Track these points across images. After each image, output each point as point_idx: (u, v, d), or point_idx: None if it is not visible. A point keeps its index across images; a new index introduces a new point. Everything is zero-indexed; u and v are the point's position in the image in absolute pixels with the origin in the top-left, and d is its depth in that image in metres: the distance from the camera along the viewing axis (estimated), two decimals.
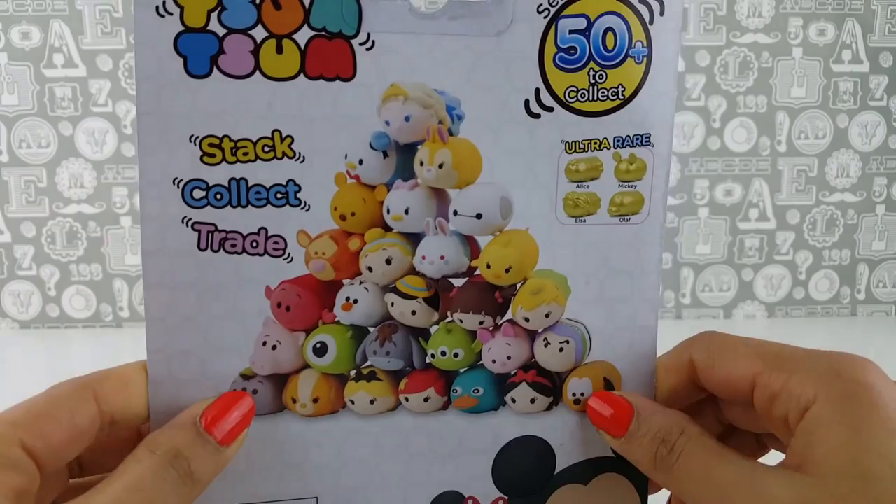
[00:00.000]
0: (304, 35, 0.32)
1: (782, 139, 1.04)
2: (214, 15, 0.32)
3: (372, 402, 0.36)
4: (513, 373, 0.37)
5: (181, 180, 0.33)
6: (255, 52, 0.32)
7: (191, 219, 0.33)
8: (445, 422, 0.37)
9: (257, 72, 0.32)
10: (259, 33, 0.32)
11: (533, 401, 0.37)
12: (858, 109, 1.04)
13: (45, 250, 1.02)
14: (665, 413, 0.35)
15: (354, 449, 0.36)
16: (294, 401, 0.35)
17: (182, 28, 0.32)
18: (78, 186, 1.03)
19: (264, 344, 0.34)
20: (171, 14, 0.31)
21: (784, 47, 1.01)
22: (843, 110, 1.04)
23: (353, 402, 0.36)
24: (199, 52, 0.32)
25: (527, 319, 0.36)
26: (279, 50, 0.32)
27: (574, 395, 0.37)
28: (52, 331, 1.04)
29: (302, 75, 0.32)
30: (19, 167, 0.99)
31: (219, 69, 0.32)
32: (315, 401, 0.35)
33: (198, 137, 0.32)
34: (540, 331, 0.37)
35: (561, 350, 0.37)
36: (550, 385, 0.37)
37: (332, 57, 0.33)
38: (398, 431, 0.36)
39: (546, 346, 0.37)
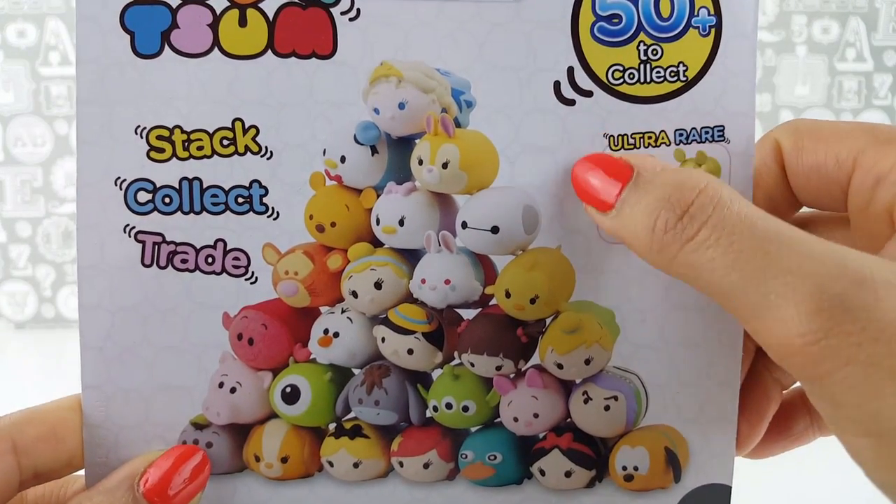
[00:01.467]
0: (272, 3, 0.30)
1: None
2: None
3: (356, 465, 0.32)
4: (541, 436, 0.32)
5: (124, 180, 0.30)
6: (214, 26, 0.30)
7: (134, 227, 0.31)
8: (451, 496, 0.33)
9: (216, 49, 0.30)
10: (219, 3, 0.30)
11: (569, 474, 0.32)
12: (863, 108, 1.05)
13: (41, 250, 1.05)
14: (679, 170, 0.29)
15: None
16: (257, 459, 0.32)
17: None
18: (74, 185, 1.06)
19: (221, 385, 0.31)
20: None
21: (788, 45, 1.03)
22: (848, 109, 1.07)
23: (331, 463, 0.32)
24: (149, 28, 0.30)
25: (560, 366, 0.31)
26: (242, 22, 0.30)
27: (625, 469, 0.32)
28: (47, 331, 1.06)
29: (270, 52, 0.30)
30: (14, 166, 1.03)
31: (171, 47, 0.30)
32: (284, 460, 0.32)
33: (144, 129, 0.30)
34: (578, 382, 0.32)
35: (607, 409, 0.32)
36: (592, 454, 0.32)
37: (306, 29, 0.30)
38: None
39: (587, 402, 0.32)
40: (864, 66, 1.09)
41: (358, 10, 0.30)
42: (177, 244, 0.31)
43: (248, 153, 0.30)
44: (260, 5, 0.29)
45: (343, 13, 0.30)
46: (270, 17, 0.30)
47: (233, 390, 0.31)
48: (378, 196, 0.31)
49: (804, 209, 0.34)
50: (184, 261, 0.31)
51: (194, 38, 0.30)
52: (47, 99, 1.01)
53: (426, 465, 0.32)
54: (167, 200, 0.30)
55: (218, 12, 0.29)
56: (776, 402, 0.35)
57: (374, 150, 0.30)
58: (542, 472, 0.32)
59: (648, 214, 0.27)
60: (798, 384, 0.35)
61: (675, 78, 0.31)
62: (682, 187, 0.27)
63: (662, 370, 0.32)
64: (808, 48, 1.08)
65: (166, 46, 0.30)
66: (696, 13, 0.30)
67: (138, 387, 0.31)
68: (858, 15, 1.05)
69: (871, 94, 1.07)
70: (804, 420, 0.35)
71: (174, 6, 0.30)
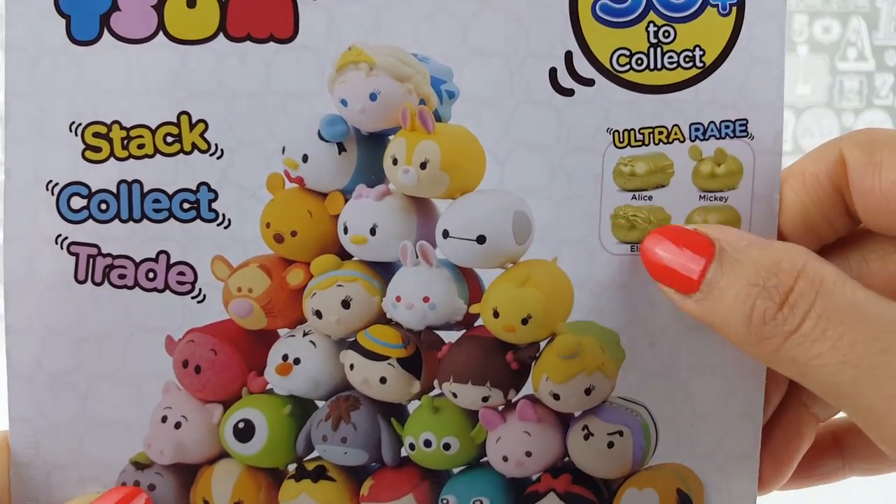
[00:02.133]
0: None
1: (787, 137, 1.08)
2: None
3: None
4: (535, 478, 0.30)
5: (56, 184, 0.28)
6: (159, 7, 0.28)
7: (66, 238, 0.29)
8: None
9: (160, 33, 0.28)
10: None
11: None
12: (864, 108, 1.07)
13: None
14: (768, 246, 0.26)
15: None
16: None
17: None
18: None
19: (164, 420, 0.29)
20: None
21: (789, 44, 1.06)
22: (849, 109, 1.08)
23: None
24: (87, 10, 0.28)
25: (556, 396, 0.29)
26: (191, 2, 0.28)
27: None
28: None
29: (221, 36, 0.28)
30: None
31: (110, 32, 0.28)
32: None
33: (80, 125, 0.28)
34: (577, 415, 0.30)
35: (610, 445, 0.29)
36: (594, 498, 0.29)
37: (263, 9, 0.28)
38: None
39: (587, 438, 0.29)
40: (865, 66, 1.11)
41: None
42: (114, 257, 0.29)
43: (196, 151, 0.28)
44: None
45: None
46: None
47: (178, 425, 0.29)
48: (346, 201, 0.29)
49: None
50: (122, 276, 0.29)
51: (137, 21, 0.28)
52: None
53: None
54: (103, 207, 0.28)
55: None
56: (809, 438, 0.32)
57: (341, 148, 0.28)
58: None
59: (743, 302, 0.25)
60: (835, 416, 0.33)
61: (691, 64, 0.29)
62: (777, 270, 0.24)
63: (674, 401, 0.30)
64: (809, 47, 1.09)
65: (105, 31, 0.28)
66: None
67: (71, 421, 0.29)
68: (860, 14, 1.07)
69: (873, 94, 1.09)
70: (835, 460, 0.33)
71: None
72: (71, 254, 0.29)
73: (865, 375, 0.23)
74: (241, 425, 0.29)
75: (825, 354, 0.23)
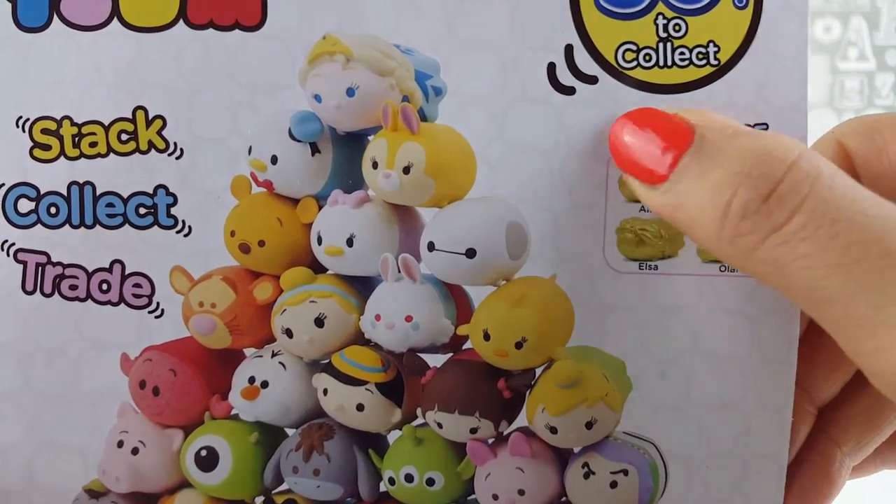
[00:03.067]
0: None
1: None
2: None
3: None
4: None
5: (2, 185, 0.27)
6: None
7: (13, 244, 0.27)
8: None
9: (115, 19, 0.26)
10: None
11: None
12: (865, 108, 1.06)
13: None
14: (758, 135, 0.23)
15: None
16: None
17: None
18: None
19: (120, 445, 0.27)
20: None
21: None
22: (850, 108, 1.07)
23: None
24: None
25: (553, 430, 0.26)
26: None
27: None
28: None
29: (181, 22, 0.26)
30: None
31: (60, 17, 0.27)
32: None
33: (27, 120, 0.27)
34: (577, 451, 0.27)
35: (614, 485, 0.26)
36: None
37: None
38: None
39: (588, 476, 0.26)
40: (866, 66, 1.09)
41: None
42: (64, 266, 0.27)
43: (153, 151, 0.26)
44: None
45: None
46: None
47: (135, 451, 0.27)
48: (320, 208, 0.26)
49: None
50: (73, 287, 0.27)
51: (89, 5, 0.26)
52: None
53: None
54: (53, 210, 0.27)
55: None
56: (840, 483, 0.29)
57: (314, 149, 0.26)
58: None
59: (719, 192, 0.22)
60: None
61: (705, 61, 0.26)
62: (767, 158, 0.22)
63: (687, 438, 0.28)
64: (809, 47, 1.16)
65: (55, 17, 0.27)
66: None
67: (19, 444, 0.28)
68: (860, 14, 1.07)
69: (874, 94, 1.08)
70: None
71: None
72: (18, 261, 0.27)
73: (859, 281, 0.20)
74: (203, 453, 0.27)
75: (814, 255, 0.21)
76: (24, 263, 0.27)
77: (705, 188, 0.22)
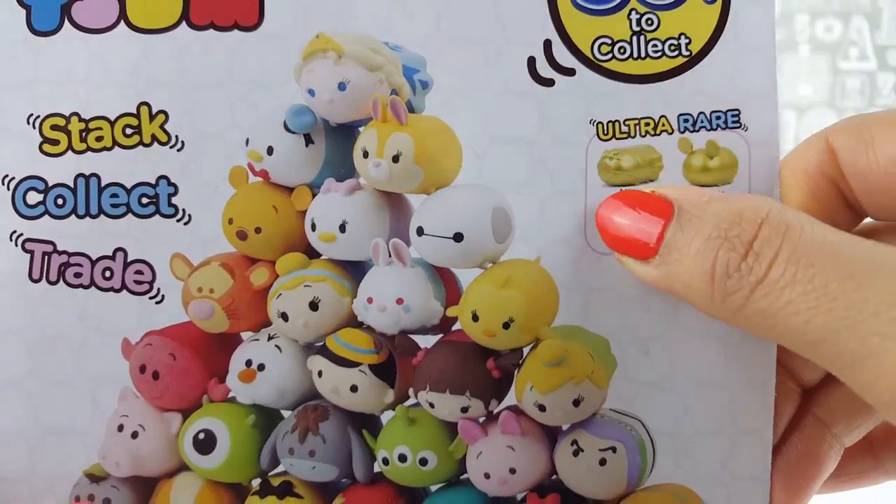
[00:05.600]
0: None
1: (790, 137, 1.08)
2: None
3: None
4: (520, 497, 0.27)
5: (12, 178, 0.27)
6: None
7: (21, 234, 0.27)
8: None
9: (122, 22, 0.27)
10: None
11: None
12: (866, 107, 1.07)
13: None
14: (729, 199, 0.24)
15: None
16: None
17: None
18: None
19: (121, 429, 0.27)
20: None
21: (791, 44, 1.04)
22: (851, 108, 1.07)
23: None
24: (48, 1, 0.27)
25: (542, 408, 0.26)
26: None
27: None
28: None
29: (184, 24, 0.27)
30: None
31: (71, 22, 0.27)
32: None
33: (38, 118, 0.27)
34: (565, 428, 0.27)
35: (602, 463, 0.26)
36: None
37: None
38: None
39: (577, 454, 0.26)
40: (867, 65, 1.11)
41: None
42: (70, 254, 0.27)
43: (155, 143, 0.27)
44: None
45: None
46: None
47: (134, 435, 0.27)
48: (314, 196, 0.27)
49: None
50: (77, 275, 0.27)
51: (98, 10, 0.27)
52: None
53: None
54: (60, 202, 0.27)
55: None
56: (829, 463, 0.29)
57: (308, 140, 0.26)
58: None
59: (703, 257, 0.23)
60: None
61: (677, 52, 0.27)
62: (739, 219, 0.23)
63: (673, 414, 0.27)
64: (810, 47, 1.08)
65: (66, 21, 0.27)
66: None
67: (24, 430, 0.27)
68: (861, 13, 1.07)
69: (875, 94, 1.09)
70: (866, 459, 0.30)
71: None
72: (26, 251, 0.27)
73: (840, 318, 0.21)
74: (201, 436, 0.27)
75: (796, 301, 0.21)
76: (31, 253, 0.27)
77: (691, 256, 0.23)
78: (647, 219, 0.24)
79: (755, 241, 0.22)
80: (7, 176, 0.27)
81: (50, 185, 0.27)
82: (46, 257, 0.27)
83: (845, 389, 0.25)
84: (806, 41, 1.05)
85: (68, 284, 0.27)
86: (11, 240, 0.27)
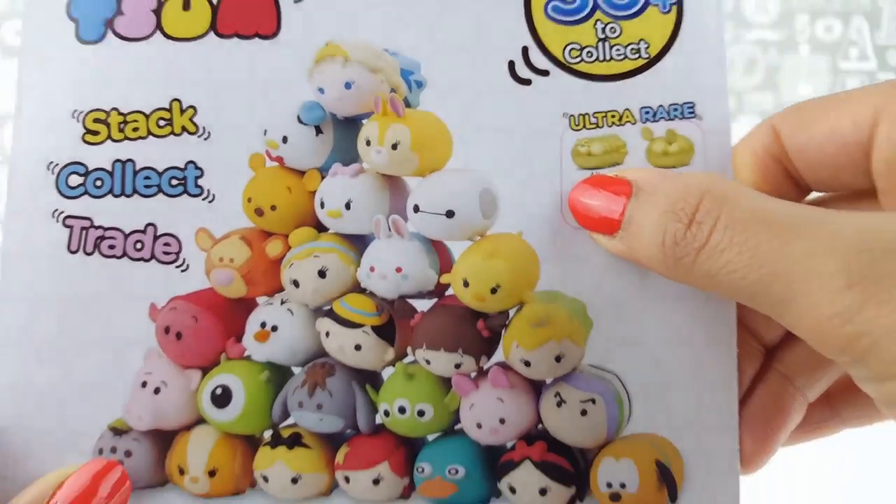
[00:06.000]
0: None
1: None
2: None
3: (294, 480, 0.28)
4: (510, 445, 0.29)
5: (56, 164, 0.29)
6: (158, 11, 0.30)
7: (62, 212, 0.29)
8: None
9: (157, 32, 0.30)
10: None
11: (544, 492, 0.28)
12: None
13: None
14: (678, 177, 0.26)
15: None
16: (182, 471, 0.28)
17: None
18: None
19: (144, 385, 0.29)
20: None
21: (791, 44, 1.04)
22: None
23: (266, 478, 0.28)
24: (94, 15, 0.30)
25: (527, 363, 0.28)
26: (186, 5, 0.30)
27: (610, 486, 0.28)
28: None
29: (212, 33, 0.30)
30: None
31: (114, 32, 0.30)
32: (211, 473, 0.28)
33: (81, 112, 0.30)
34: (549, 382, 0.29)
35: (584, 413, 0.28)
36: (570, 467, 0.28)
37: (250, 11, 0.29)
38: None
39: (560, 405, 0.28)
40: (867, 65, 1.10)
41: None
42: (105, 229, 0.29)
43: (185, 133, 0.29)
44: None
45: None
46: (214, 1, 0.29)
47: (157, 391, 0.28)
48: (322, 178, 0.29)
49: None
50: (111, 246, 0.29)
51: (138, 23, 0.30)
52: None
53: (376, 481, 0.28)
54: (98, 183, 0.29)
55: None
56: (793, 414, 0.31)
57: (318, 131, 0.29)
58: (513, 490, 0.28)
59: (657, 229, 0.26)
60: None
61: (637, 55, 0.30)
62: (685, 194, 0.26)
63: (645, 369, 0.29)
64: (811, 47, 1.07)
65: (109, 32, 0.30)
66: None
67: (55, 386, 0.29)
68: (861, 13, 1.06)
69: None
70: (824, 409, 0.32)
71: None
72: (66, 226, 0.29)
73: (770, 272, 0.23)
74: (218, 391, 0.29)
75: (733, 261, 0.24)
76: (71, 228, 0.29)
77: (648, 229, 0.26)
78: (610, 198, 0.27)
79: (697, 212, 0.25)
80: (52, 162, 0.29)
81: (90, 168, 0.29)
82: (84, 231, 0.29)
83: (804, 345, 0.27)
84: (806, 41, 1.04)
85: (103, 255, 0.29)
86: (53, 216, 0.29)
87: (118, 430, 0.28)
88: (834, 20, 1.05)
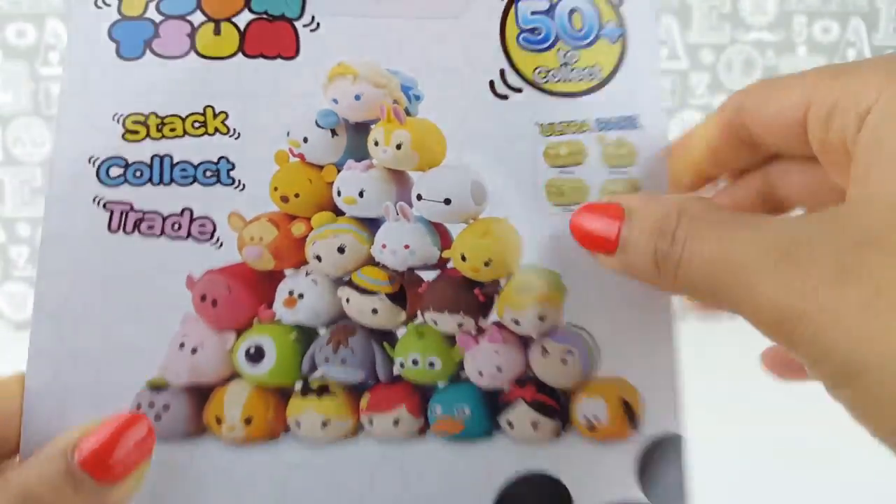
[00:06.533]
0: (243, 18, 0.34)
1: None
2: (153, 4, 0.34)
3: (324, 424, 0.31)
4: (506, 388, 0.33)
5: (97, 159, 0.32)
6: (192, 35, 0.34)
7: (103, 198, 0.32)
8: (423, 452, 0.32)
9: (192, 52, 0.34)
10: (197, 18, 0.34)
11: (535, 425, 0.32)
12: None
13: None
14: (662, 200, 0.30)
15: (300, 488, 0.31)
16: (219, 421, 0.31)
17: (118, 17, 0.34)
18: None
19: (182, 346, 0.31)
20: (108, 6, 0.34)
21: (788, 45, 1.06)
22: None
23: (298, 424, 0.31)
24: (133, 37, 0.34)
25: (517, 322, 0.33)
26: (217, 31, 0.34)
27: (586, 418, 0.32)
28: None
29: (240, 54, 0.34)
30: (14, 166, 1.02)
31: (152, 51, 0.34)
32: (248, 421, 0.31)
33: (121, 115, 0.33)
34: (535, 337, 0.33)
35: (564, 362, 0.32)
36: (555, 405, 0.32)
37: (272, 37, 0.34)
38: (360, 465, 0.31)
39: (544, 355, 0.33)
40: None
41: (318, 24, 0.35)
42: (144, 212, 0.32)
43: (218, 134, 0.33)
44: (233, 19, 0.34)
45: (305, 25, 0.34)
46: (242, 29, 0.34)
47: (194, 351, 0.31)
48: (339, 171, 0.33)
49: None
50: (150, 227, 0.32)
51: (174, 44, 0.34)
52: (47, 99, 1.01)
53: (396, 422, 0.31)
54: (138, 174, 0.32)
55: (196, 25, 0.34)
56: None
57: (333, 133, 0.34)
58: (511, 425, 0.32)
59: (647, 247, 0.29)
60: None
61: (592, 77, 0.36)
62: (667, 216, 0.29)
63: (607, 326, 0.34)
64: (808, 48, 1.11)
65: (148, 51, 0.33)
66: (604, 26, 0.36)
67: (91, 350, 0.31)
68: (859, 15, 1.08)
69: None
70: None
71: (157, 21, 0.34)
72: (106, 210, 0.32)
73: (729, 275, 0.27)
74: (252, 350, 0.31)
75: (701, 269, 0.27)
76: (111, 211, 0.32)
77: (640, 248, 0.30)
78: (607, 222, 0.31)
79: (676, 230, 0.29)
80: (93, 157, 0.32)
81: (129, 162, 0.32)
82: (124, 214, 0.31)
83: None
84: (804, 42, 1.06)
85: (142, 234, 0.31)
86: (94, 202, 0.32)
87: (156, 387, 0.30)
88: (831, 21, 1.07)
